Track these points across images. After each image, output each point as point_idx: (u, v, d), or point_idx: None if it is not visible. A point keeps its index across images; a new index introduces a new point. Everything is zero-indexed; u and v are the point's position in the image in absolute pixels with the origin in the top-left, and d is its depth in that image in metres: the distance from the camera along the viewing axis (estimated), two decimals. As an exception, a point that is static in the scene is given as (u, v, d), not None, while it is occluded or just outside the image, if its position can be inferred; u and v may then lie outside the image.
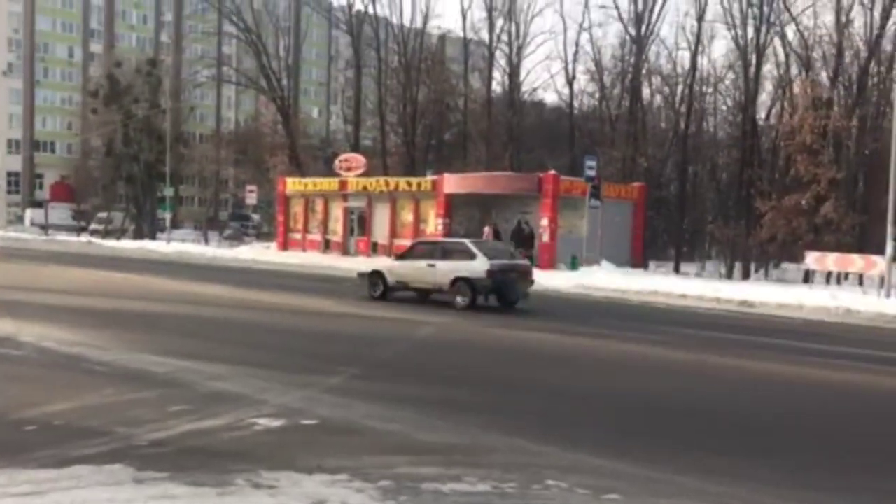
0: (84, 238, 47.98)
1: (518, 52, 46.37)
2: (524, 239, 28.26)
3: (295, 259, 31.57)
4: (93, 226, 56.70)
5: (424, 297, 17.28)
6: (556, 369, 9.86)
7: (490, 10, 45.64)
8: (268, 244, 42.67)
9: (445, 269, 16.59)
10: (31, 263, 25.65)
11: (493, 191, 30.68)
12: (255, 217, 64.02)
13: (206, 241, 46.07)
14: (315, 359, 9.80)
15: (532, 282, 17.40)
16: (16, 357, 9.10)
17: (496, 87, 49.21)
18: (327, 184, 36.01)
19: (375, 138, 55.74)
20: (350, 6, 48.04)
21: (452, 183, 31.25)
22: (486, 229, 30.43)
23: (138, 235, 52.04)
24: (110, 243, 42.03)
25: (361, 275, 18.44)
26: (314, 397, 7.39)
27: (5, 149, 78.38)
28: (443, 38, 55.88)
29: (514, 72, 46.79)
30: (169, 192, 43.85)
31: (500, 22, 46.08)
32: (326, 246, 35.49)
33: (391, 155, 48.27)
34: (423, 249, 17.86)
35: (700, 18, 39.23)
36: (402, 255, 18.68)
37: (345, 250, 34.55)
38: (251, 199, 41.88)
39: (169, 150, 43.97)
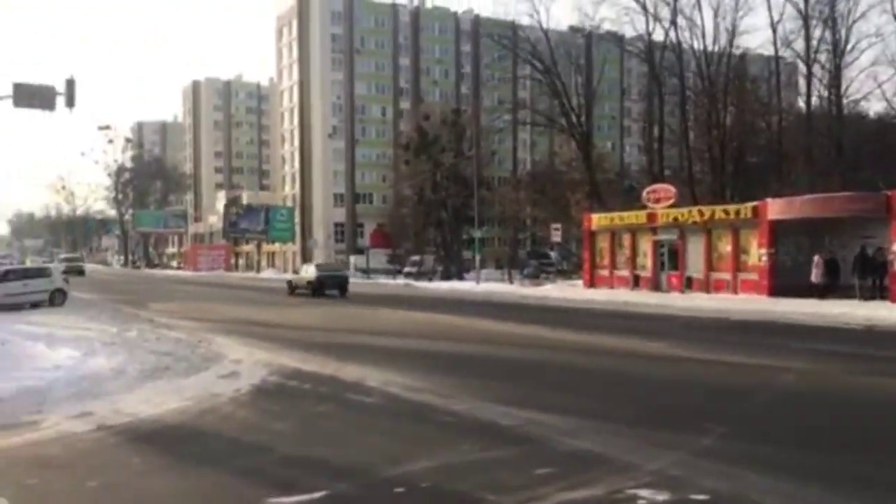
0: (401, 280, 51.44)
1: (839, 61, 41.73)
2: (875, 267, 24.68)
3: (604, 296, 30.63)
4: (406, 269, 60.80)
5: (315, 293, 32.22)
6: None
7: (806, 17, 41.61)
8: (571, 281, 42.26)
9: (306, 276, 34.05)
10: (361, 306, 27.54)
11: (826, 214, 27.27)
12: (553, 254, 64.32)
13: (511, 280, 46.93)
14: (667, 412, 8.75)
15: (347, 282, 33.71)
16: (368, 405, 9.17)
17: (813, 102, 44.65)
18: (634, 217, 34.66)
19: (674, 167, 53.35)
20: (649, 34, 46.61)
21: (777, 208, 28.32)
22: (816, 258, 27.14)
23: (445, 276, 54.57)
24: (422, 284, 44.44)
25: (287, 282, 36.27)
26: (689, 462, 6.35)
27: (332, 202, 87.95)
28: (743, 56, 52.19)
29: (834, 83, 42.15)
30: (478, 233, 45.39)
31: (817, 32, 41.93)
32: (636, 282, 34.03)
33: (698, 183, 45.68)
34: (302, 268, 37.50)
35: None
36: (296, 272, 32.81)
37: (656, 286, 32.84)
38: (556, 236, 41.97)
39: (476, 195, 45.60)
